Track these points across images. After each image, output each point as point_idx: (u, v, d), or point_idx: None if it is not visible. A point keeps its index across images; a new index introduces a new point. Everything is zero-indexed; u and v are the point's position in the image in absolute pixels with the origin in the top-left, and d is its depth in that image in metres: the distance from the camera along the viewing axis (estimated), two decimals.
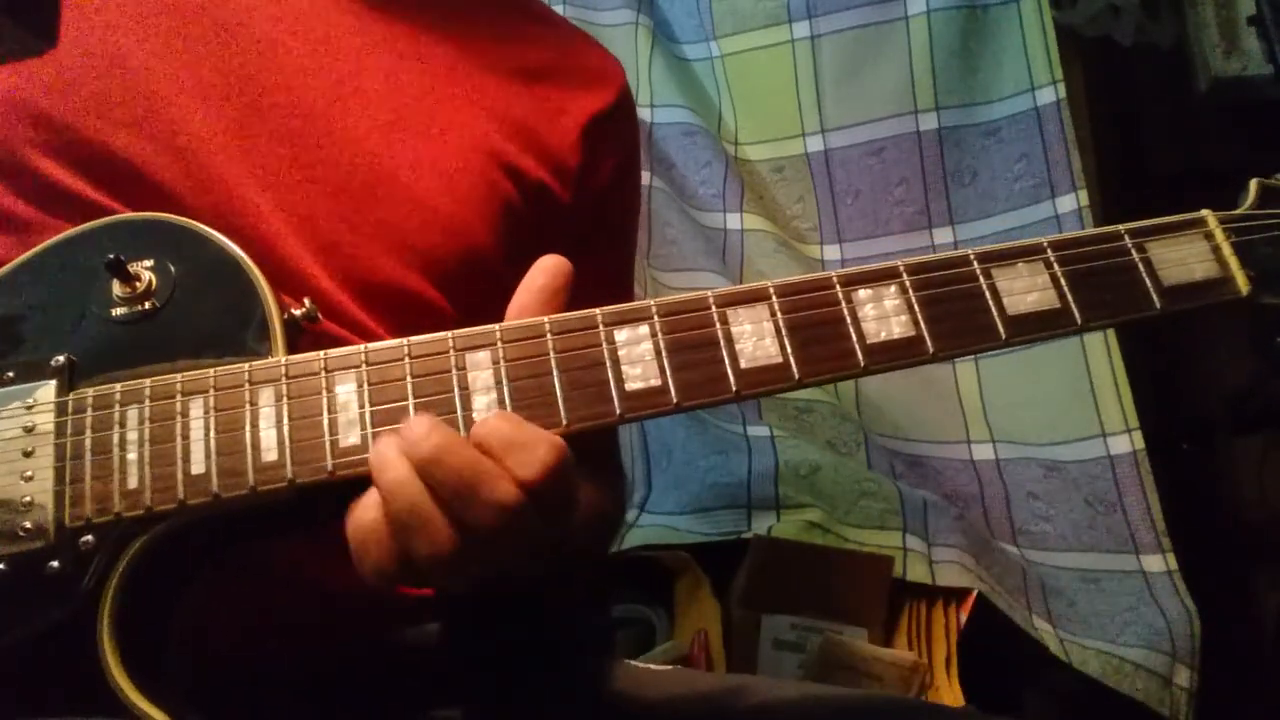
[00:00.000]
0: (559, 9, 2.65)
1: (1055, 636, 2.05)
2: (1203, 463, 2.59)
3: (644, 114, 2.62)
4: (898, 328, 0.85)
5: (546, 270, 0.88)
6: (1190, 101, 2.71)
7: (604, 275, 1.24)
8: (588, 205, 1.22)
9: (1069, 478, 2.23)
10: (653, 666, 1.10)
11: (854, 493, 2.22)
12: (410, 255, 1.05)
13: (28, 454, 0.82)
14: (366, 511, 0.79)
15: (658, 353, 0.83)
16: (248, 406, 0.82)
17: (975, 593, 2.02)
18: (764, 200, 2.59)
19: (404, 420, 0.80)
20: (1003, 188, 2.42)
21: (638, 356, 0.83)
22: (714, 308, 0.85)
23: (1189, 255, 0.89)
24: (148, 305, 0.87)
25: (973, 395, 2.36)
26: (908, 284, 0.86)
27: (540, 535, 0.80)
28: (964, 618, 2.02)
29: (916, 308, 0.85)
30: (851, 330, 0.85)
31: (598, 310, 0.85)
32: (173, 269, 0.88)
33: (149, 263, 0.88)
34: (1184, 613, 2.05)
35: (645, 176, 2.55)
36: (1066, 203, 2.32)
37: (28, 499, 0.81)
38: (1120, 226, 0.90)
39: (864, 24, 2.56)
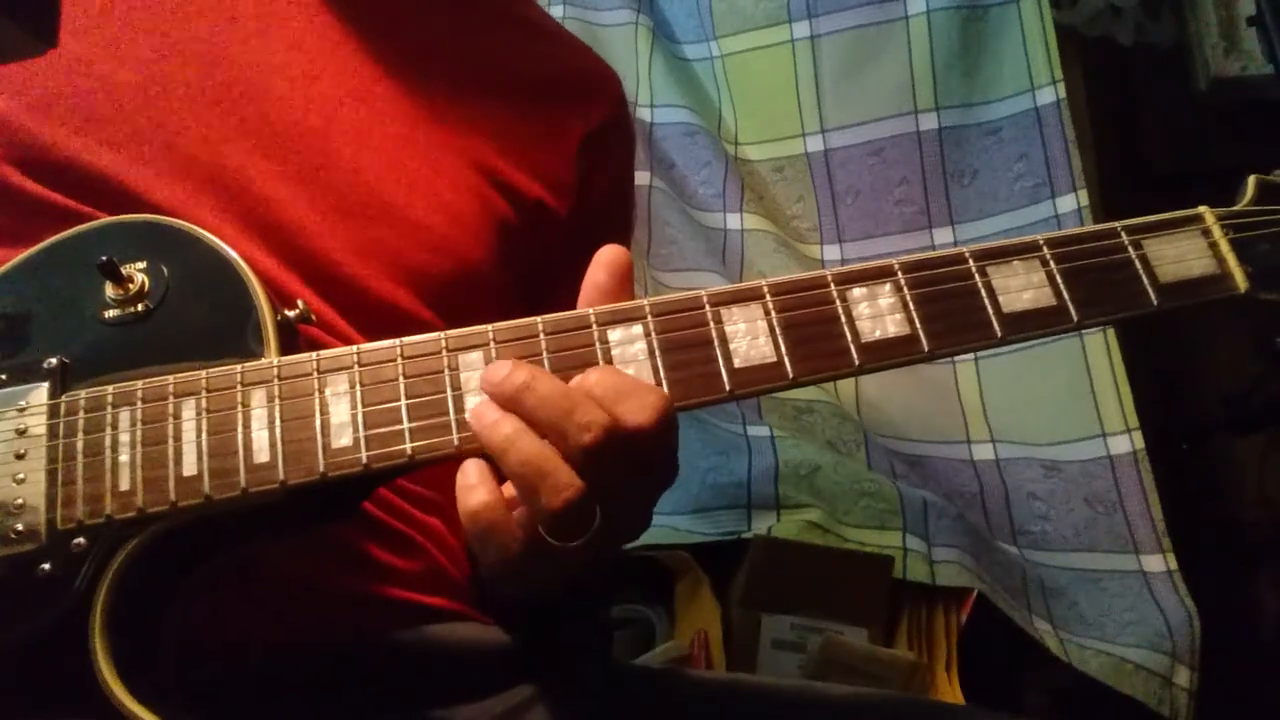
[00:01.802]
0: (558, 10, 2.66)
1: (1055, 636, 2.05)
2: (1203, 463, 2.58)
3: (644, 114, 2.63)
4: (893, 326, 0.85)
5: (605, 264, 0.89)
6: (1190, 101, 2.71)
7: None
8: (585, 218, 1.22)
9: (1069, 478, 2.23)
10: (652, 666, 1.10)
11: (854, 493, 2.21)
12: (403, 275, 1.05)
13: (20, 456, 0.82)
14: (474, 495, 0.80)
15: (651, 353, 0.83)
16: (240, 408, 0.82)
17: (975, 593, 2.01)
18: (764, 200, 2.59)
19: (398, 417, 0.82)
20: (1003, 188, 2.42)
21: (631, 356, 0.83)
22: (708, 307, 0.85)
23: (1186, 252, 0.89)
24: (140, 307, 0.86)
25: (973, 395, 2.36)
26: (903, 282, 0.86)
27: (646, 484, 0.84)
28: (964, 618, 2.02)
29: (911, 306, 0.85)
30: (846, 329, 0.84)
31: (591, 309, 0.85)
32: (165, 271, 0.87)
33: (142, 264, 0.87)
34: (1184, 613, 2.05)
35: (645, 176, 2.56)
36: (1066, 203, 2.32)
37: (20, 501, 0.81)
38: (1117, 224, 0.89)
39: (864, 24, 2.56)
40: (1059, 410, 2.28)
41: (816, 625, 1.99)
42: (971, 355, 2.37)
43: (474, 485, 0.81)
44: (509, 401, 0.80)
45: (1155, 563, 2.14)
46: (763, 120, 2.63)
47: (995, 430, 2.33)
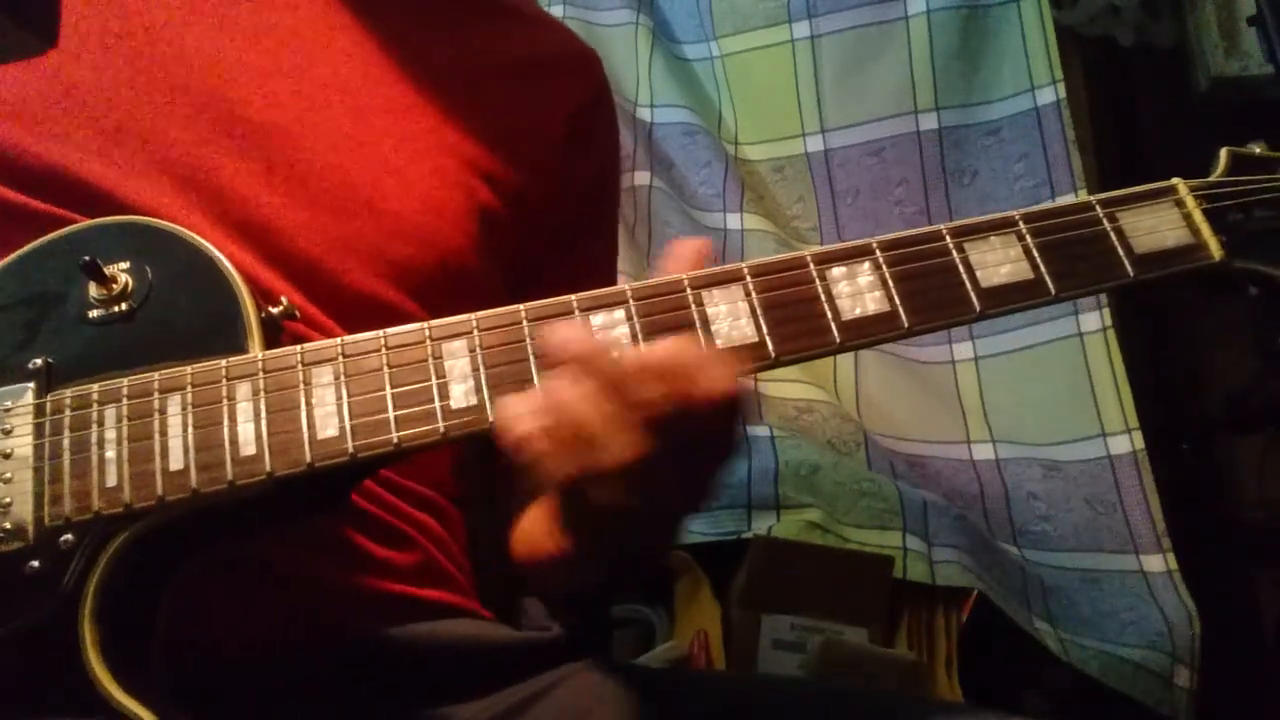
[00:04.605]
0: (558, 10, 2.66)
1: (1055, 636, 2.05)
2: (1203, 463, 2.58)
3: (644, 114, 2.63)
4: (872, 304, 0.85)
5: (682, 258, 0.89)
6: (1190, 101, 2.71)
7: (590, 269, 1.24)
8: (570, 201, 1.22)
9: (1069, 478, 2.23)
10: (651, 665, 1.10)
11: (854, 493, 2.21)
12: (384, 267, 1.05)
13: (6, 456, 0.82)
14: (520, 423, 0.79)
15: (634, 337, 0.83)
16: (225, 402, 0.82)
17: (975, 593, 2.01)
18: (764, 200, 2.59)
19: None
20: (1003, 187, 2.42)
21: (613, 341, 0.83)
22: (689, 290, 0.85)
23: (1161, 223, 0.90)
24: (124, 307, 0.87)
25: (973, 395, 2.36)
26: (881, 260, 0.86)
27: (710, 452, 0.83)
28: (964, 618, 2.02)
29: (890, 283, 0.85)
30: (826, 308, 0.85)
31: (573, 296, 0.85)
32: (149, 270, 0.88)
33: (125, 265, 0.88)
34: (1184, 613, 2.05)
35: (645, 176, 2.56)
36: (1066, 202, 2.32)
37: (7, 500, 0.81)
38: (1092, 197, 0.91)
39: (864, 24, 2.56)
40: (1059, 410, 2.28)
41: (816, 625, 1.99)
42: (971, 355, 2.37)
43: (514, 418, 0.80)
44: (578, 365, 0.79)
45: (1155, 563, 2.14)
46: (763, 120, 2.64)
47: (995, 430, 2.33)
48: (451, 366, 0.83)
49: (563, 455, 0.78)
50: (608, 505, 0.80)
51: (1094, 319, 2.26)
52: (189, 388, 0.83)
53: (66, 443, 0.82)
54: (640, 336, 0.83)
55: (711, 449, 0.83)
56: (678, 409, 0.77)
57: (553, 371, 0.80)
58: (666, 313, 0.84)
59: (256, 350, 0.85)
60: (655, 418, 0.77)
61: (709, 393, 0.78)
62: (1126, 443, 2.20)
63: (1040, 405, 2.30)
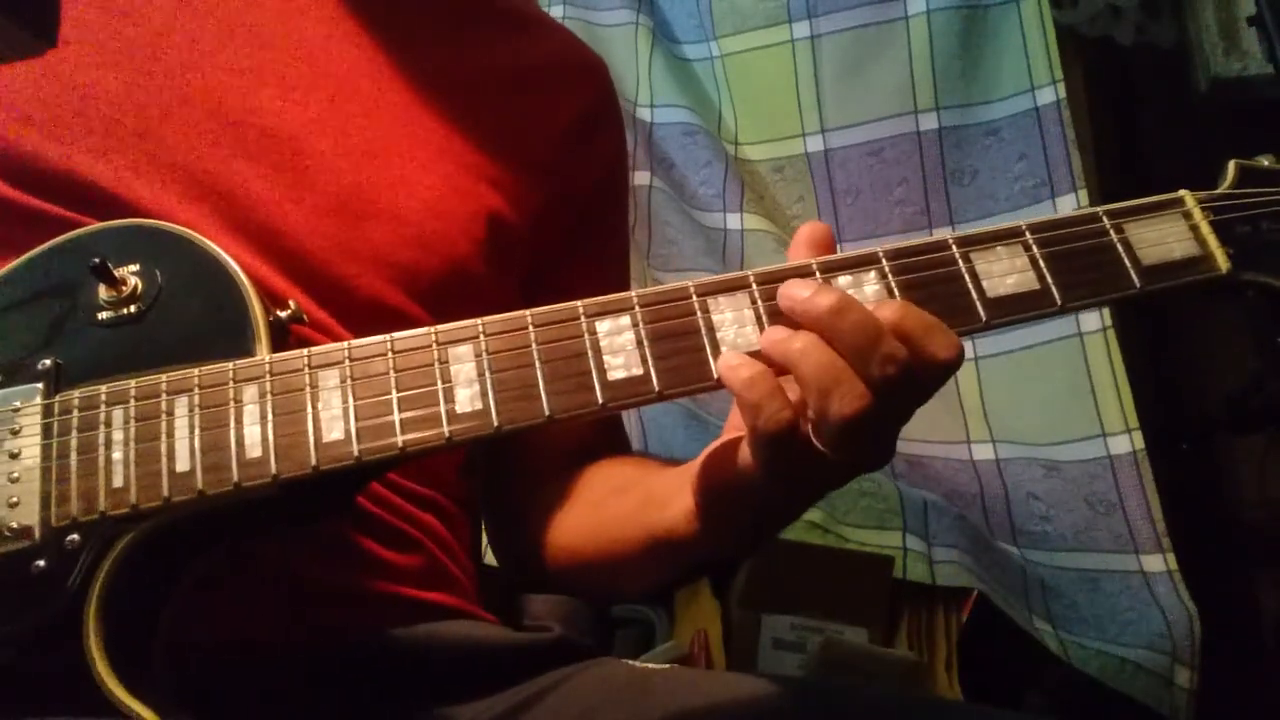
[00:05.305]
0: (558, 10, 2.66)
1: (1055, 636, 2.05)
2: (1203, 463, 2.58)
3: (644, 114, 2.63)
4: None
5: (804, 243, 0.90)
6: (1190, 101, 2.71)
7: (601, 274, 1.25)
8: (578, 207, 1.23)
9: (1069, 478, 2.23)
10: (651, 665, 1.10)
11: (854, 493, 2.22)
12: (390, 272, 1.05)
13: (14, 456, 0.83)
14: (743, 368, 0.81)
15: (639, 342, 0.83)
16: (232, 404, 0.82)
17: (975, 593, 2.02)
18: (764, 200, 2.59)
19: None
20: (1003, 188, 2.41)
21: (619, 346, 0.83)
22: (695, 297, 0.85)
23: (1168, 235, 0.89)
24: (133, 309, 0.87)
25: (973, 395, 2.36)
26: (887, 269, 0.86)
27: (907, 416, 0.84)
28: (964, 618, 2.02)
29: (896, 293, 0.85)
30: None
31: (579, 302, 0.85)
32: (158, 273, 0.88)
33: (135, 267, 0.88)
34: (1184, 613, 2.05)
35: (645, 176, 2.57)
36: (1066, 203, 2.32)
37: (14, 499, 0.81)
38: (1098, 208, 0.90)
39: (864, 24, 2.56)
40: (1059, 410, 2.28)
41: (816, 625, 1.99)
42: (971, 355, 2.37)
43: (739, 364, 0.81)
44: (814, 321, 0.81)
45: (1155, 563, 2.14)
46: (763, 120, 2.63)
47: (995, 430, 2.33)
48: (457, 371, 0.83)
49: (783, 400, 0.80)
50: (813, 457, 0.82)
51: (1094, 318, 2.25)
52: (196, 390, 0.83)
53: (74, 443, 0.83)
54: (645, 342, 0.83)
55: (909, 411, 0.84)
56: (911, 367, 0.80)
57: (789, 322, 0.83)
58: (672, 319, 0.84)
59: (264, 353, 0.85)
60: (889, 374, 0.79)
61: (937, 356, 0.80)
62: (1126, 443, 2.20)
63: (1040, 405, 2.30)
